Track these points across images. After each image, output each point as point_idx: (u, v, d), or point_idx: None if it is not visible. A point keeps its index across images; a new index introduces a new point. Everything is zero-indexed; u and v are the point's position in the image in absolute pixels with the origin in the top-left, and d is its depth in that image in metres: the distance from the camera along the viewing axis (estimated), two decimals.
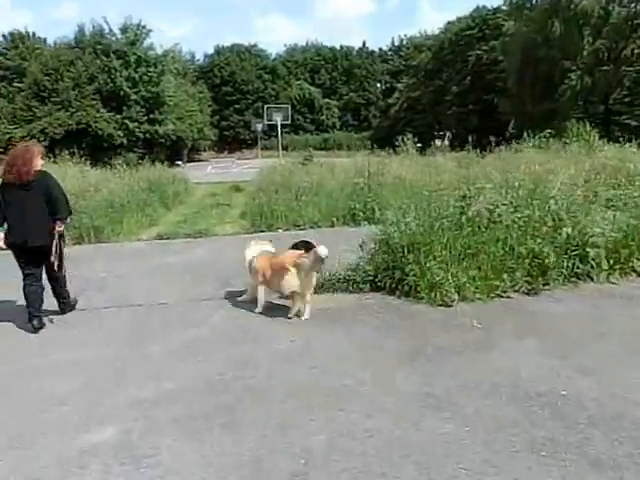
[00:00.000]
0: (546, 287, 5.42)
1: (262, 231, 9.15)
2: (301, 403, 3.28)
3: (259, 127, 46.81)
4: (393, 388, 3.45)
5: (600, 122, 23.64)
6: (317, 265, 4.75)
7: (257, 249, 5.31)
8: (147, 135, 32.69)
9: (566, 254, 5.62)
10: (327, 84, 64.07)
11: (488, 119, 43.17)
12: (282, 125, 41.61)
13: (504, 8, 38.82)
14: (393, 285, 5.32)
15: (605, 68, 26.79)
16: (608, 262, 5.76)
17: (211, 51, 61.09)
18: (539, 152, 16.37)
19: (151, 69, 31.94)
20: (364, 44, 66.83)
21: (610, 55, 27.13)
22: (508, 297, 5.23)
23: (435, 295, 5.04)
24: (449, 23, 52.26)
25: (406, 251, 5.28)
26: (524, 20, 31.89)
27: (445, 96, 48.37)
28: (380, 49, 66.79)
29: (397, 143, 19.01)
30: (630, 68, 23.28)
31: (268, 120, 41.88)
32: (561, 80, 29.79)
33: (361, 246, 5.79)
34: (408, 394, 3.36)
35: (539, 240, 5.53)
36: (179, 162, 33.32)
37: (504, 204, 5.73)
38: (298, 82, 62.00)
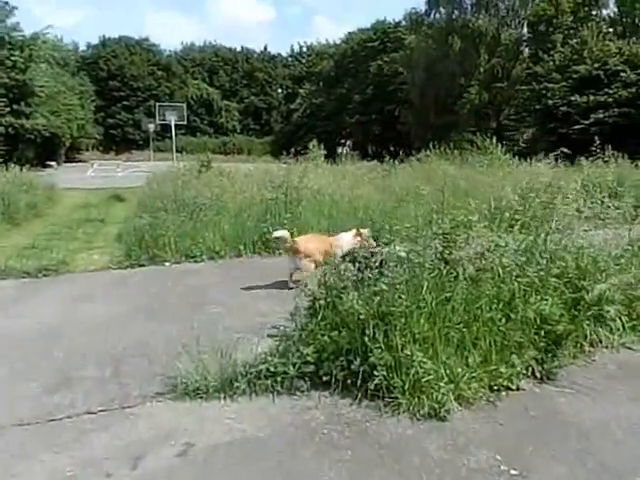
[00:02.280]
0: (556, 364, 3.77)
1: (142, 265, 6.72)
2: None
3: (151, 127, 42.83)
4: None
5: (491, 136, 23.94)
6: None
7: None
8: (10, 130, 27.61)
9: (578, 312, 4.04)
10: (227, 86, 61.14)
11: (389, 129, 43.48)
12: (177, 126, 38.24)
13: (404, 23, 39.23)
14: (349, 380, 3.30)
15: (500, 85, 27.46)
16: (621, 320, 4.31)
17: (96, 41, 55.38)
18: (447, 163, 15.63)
19: (15, 53, 27.01)
20: (265, 48, 64.98)
21: (504, 73, 27.90)
22: (518, 388, 3.46)
23: (419, 399, 3.11)
24: (350, 34, 52.25)
25: (370, 325, 3.30)
26: (423, 36, 32.08)
27: (348, 104, 47.97)
28: (279, 54, 65.37)
29: (301, 149, 17.35)
30: (524, 87, 23.87)
31: (161, 119, 38.27)
32: (461, 94, 30.22)
33: (293, 316, 3.72)
34: None
35: (547, 297, 3.87)
36: (52, 163, 28.70)
37: (501, 247, 3.98)
38: (195, 82, 58.34)
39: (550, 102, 20.61)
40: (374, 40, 45.98)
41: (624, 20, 21.68)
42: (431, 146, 18.62)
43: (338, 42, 55.37)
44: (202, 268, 6.70)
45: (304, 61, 62.76)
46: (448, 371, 3.21)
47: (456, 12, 30.22)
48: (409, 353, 3.14)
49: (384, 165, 17.04)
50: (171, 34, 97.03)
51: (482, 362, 3.41)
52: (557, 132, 19.99)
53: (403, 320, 3.28)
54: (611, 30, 21.02)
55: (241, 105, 60.62)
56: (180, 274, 6.40)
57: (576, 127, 18.96)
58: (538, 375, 3.61)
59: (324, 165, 14.99)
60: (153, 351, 4.01)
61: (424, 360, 3.14)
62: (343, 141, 51.57)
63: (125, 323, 4.69)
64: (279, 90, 64.04)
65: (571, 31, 22.69)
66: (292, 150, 13.20)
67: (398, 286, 3.44)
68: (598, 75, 19.10)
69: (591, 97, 18.78)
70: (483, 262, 3.90)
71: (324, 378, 3.33)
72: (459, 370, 3.24)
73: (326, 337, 3.39)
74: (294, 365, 3.33)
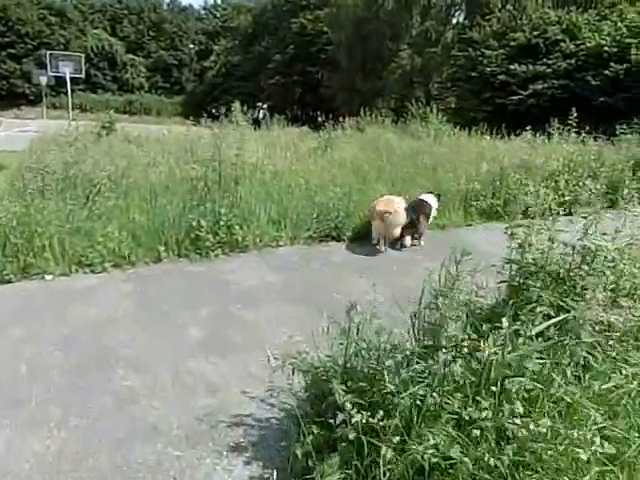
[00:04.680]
0: None
1: (6, 281, 4.44)
2: None
3: (43, 80, 37.05)
4: None
5: (425, 104, 22.88)
6: None
7: None
8: None
9: None
10: (132, 38, 55.10)
11: (312, 92, 41.28)
12: (74, 80, 33.43)
13: None
14: None
15: (434, 50, 26.31)
16: None
17: None
18: (387, 131, 14.18)
19: None
20: None
21: (437, 38, 26.77)
22: None
23: None
24: None
25: None
26: None
27: (267, 64, 44.86)
28: (191, 6, 60.02)
29: (217, 111, 14.99)
30: (458, 53, 22.88)
31: (54, 72, 33.07)
32: (391, 58, 28.79)
33: None
34: None
35: None
36: None
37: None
38: (95, 31, 51.77)
39: (487, 70, 19.70)
40: None
41: None
42: (361, 112, 17.07)
43: None
44: (103, 284, 4.55)
45: (219, 15, 58.07)
46: None
47: None
48: None
49: (319, 133, 15.24)
50: None
51: None
52: (494, 102, 19.20)
53: None
54: None
55: (148, 60, 55.03)
56: (67, 297, 4.22)
57: (514, 98, 18.22)
58: None
59: (250, 132, 12.82)
60: None
61: None
62: (260, 104, 48.60)
63: None
64: (191, 46, 58.87)
65: None
66: (210, 112, 10.82)
67: None
68: (537, 44, 18.41)
69: (530, 67, 18.05)
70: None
71: None
72: None
73: None
74: None
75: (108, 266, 4.85)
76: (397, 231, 5.85)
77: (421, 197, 6.41)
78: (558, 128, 11.77)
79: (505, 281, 2.93)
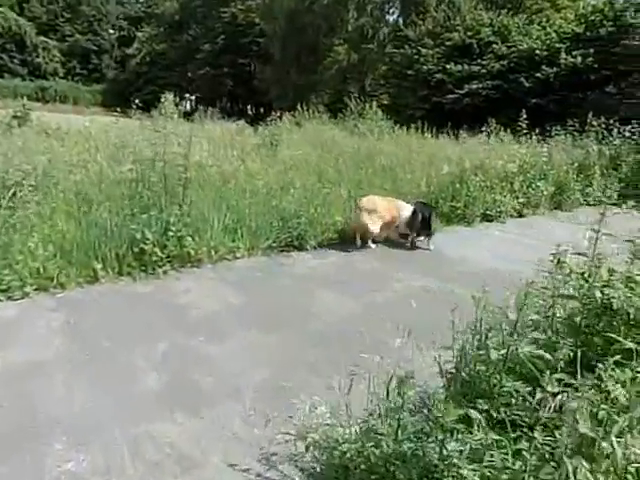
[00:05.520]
0: None
1: None
2: None
3: None
4: None
5: (360, 99, 22.81)
6: None
7: None
8: None
9: None
10: (43, 19, 50.64)
11: (243, 85, 40.10)
12: None
13: None
14: None
15: (370, 46, 26.22)
16: None
17: None
18: (329, 127, 13.79)
19: None
20: None
21: (373, 34, 26.72)
22: None
23: None
24: None
25: None
26: None
27: (196, 54, 42.95)
28: None
29: (141, 102, 13.71)
30: (395, 50, 22.90)
31: None
32: (326, 53, 28.43)
33: None
34: None
35: None
36: None
37: None
38: (0, 9, 47.00)
39: (424, 68, 19.80)
40: None
41: None
42: (297, 107, 16.58)
43: None
44: (25, 315, 3.67)
45: (142, 0, 54.85)
46: None
47: None
48: None
49: (259, 128, 14.55)
50: None
51: None
52: (431, 100, 19.36)
53: None
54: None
55: (64, 44, 50.91)
56: None
57: (450, 96, 18.44)
58: None
59: (185, 126, 11.87)
60: None
61: None
62: (187, 95, 46.48)
63: None
64: (111, 31, 55.27)
65: None
66: (134, 102, 9.77)
67: None
68: (471, 44, 18.72)
69: (465, 66, 18.32)
70: None
71: None
72: None
73: None
74: None
75: (30, 291, 3.95)
76: (371, 229, 5.76)
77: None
78: (495, 128, 11.90)
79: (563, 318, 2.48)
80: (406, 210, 6.03)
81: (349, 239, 6.01)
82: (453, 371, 2.42)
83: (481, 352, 2.22)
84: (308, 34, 27.79)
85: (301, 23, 27.60)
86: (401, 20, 26.00)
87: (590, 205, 9.48)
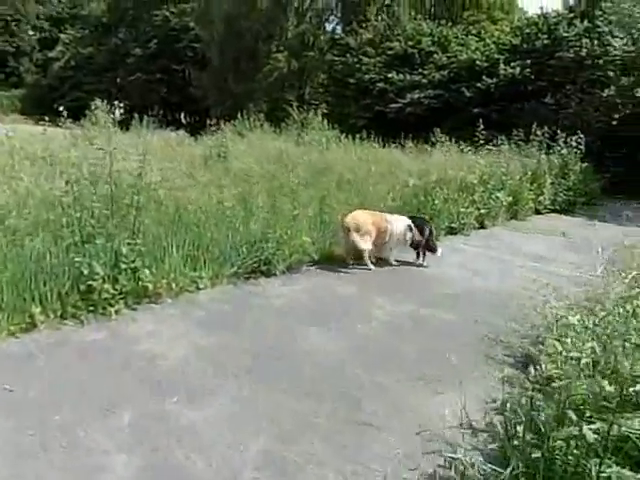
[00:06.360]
0: None
1: None
2: None
3: None
4: None
5: (302, 108, 22.59)
6: None
7: None
8: None
9: None
10: None
11: (178, 92, 38.69)
12: None
13: None
14: None
15: (311, 54, 25.97)
16: None
17: None
18: (273, 138, 13.38)
19: None
20: None
21: (314, 42, 26.54)
22: None
23: None
24: None
25: None
26: None
27: (126, 59, 40.96)
28: None
29: (69, 109, 12.56)
30: (336, 58, 22.77)
31: None
32: (266, 60, 27.92)
33: None
34: None
35: None
36: None
37: None
38: None
39: (366, 77, 19.77)
40: None
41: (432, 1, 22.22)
42: (237, 115, 16.10)
43: None
44: None
45: (65, 0, 51.70)
46: None
47: None
48: None
49: (202, 138, 13.94)
50: None
51: None
52: (373, 109, 19.34)
53: None
54: (422, 10, 21.23)
55: None
56: None
57: (393, 105, 18.50)
58: None
59: (119, 135, 11.02)
60: None
61: None
62: (117, 102, 44.25)
63: None
64: (31, 32, 51.66)
65: (385, 7, 22.27)
66: (57, 109, 8.90)
67: None
68: (413, 54, 18.89)
69: (407, 76, 18.45)
70: None
71: None
72: None
73: None
74: None
75: None
76: (362, 247, 5.46)
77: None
78: (441, 137, 11.94)
79: None
80: (398, 223, 5.71)
81: (323, 260, 5.60)
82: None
83: (568, 429, 1.82)
84: (246, 40, 27.12)
85: (239, 28, 26.89)
86: (340, 28, 26.00)
87: (541, 214, 9.65)
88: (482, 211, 8.00)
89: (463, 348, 3.78)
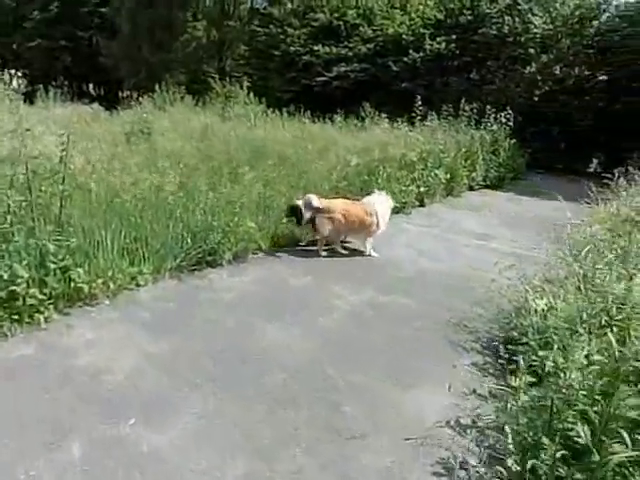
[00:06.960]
0: None
1: None
2: None
3: None
4: None
5: (226, 80, 21.70)
6: None
7: None
8: None
9: None
10: None
11: (84, 61, 35.63)
12: None
13: None
14: None
15: (232, 24, 24.79)
16: None
17: None
18: (195, 112, 12.72)
19: None
20: None
21: (234, 11, 25.34)
22: None
23: None
24: None
25: None
26: None
27: (22, 22, 36.91)
28: None
29: None
30: (259, 29, 21.91)
31: None
32: (184, 29, 26.36)
33: None
34: None
35: None
36: None
37: None
38: None
39: (291, 49, 19.20)
40: None
41: None
42: (156, 88, 15.09)
43: None
44: None
45: None
46: None
47: None
48: None
49: (118, 113, 13.02)
50: None
51: None
52: (300, 83, 18.90)
53: None
54: None
55: None
56: None
57: (319, 79, 18.17)
58: None
59: (27, 109, 9.92)
60: None
61: None
62: (14, 71, 40.02)
63: None
64: None
65: None
66: None
67: None
68: (338, 26, 18.55)
69: (333, 49, 18.13)
70: None
71: None
72: None
73: None
74: None
75: None
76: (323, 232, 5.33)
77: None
78: (370, 112, 11.88)
79: None
80: (380, 204, 5.57)
81: (267, 247, 5.30)
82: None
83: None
84: (160, 8, 25.37)
85: None
86: None
87: (474, 190, 9.89)
88: (422, 189, 8.01)
89: (428, 335, 3.71)
